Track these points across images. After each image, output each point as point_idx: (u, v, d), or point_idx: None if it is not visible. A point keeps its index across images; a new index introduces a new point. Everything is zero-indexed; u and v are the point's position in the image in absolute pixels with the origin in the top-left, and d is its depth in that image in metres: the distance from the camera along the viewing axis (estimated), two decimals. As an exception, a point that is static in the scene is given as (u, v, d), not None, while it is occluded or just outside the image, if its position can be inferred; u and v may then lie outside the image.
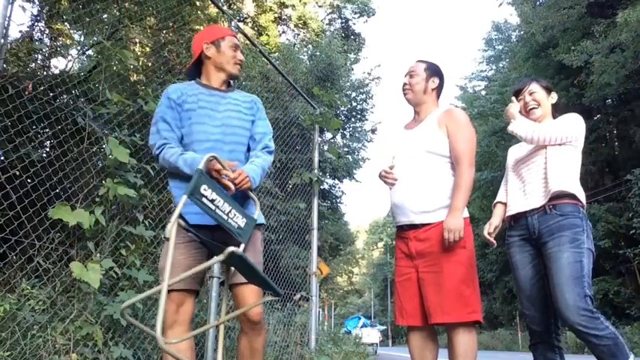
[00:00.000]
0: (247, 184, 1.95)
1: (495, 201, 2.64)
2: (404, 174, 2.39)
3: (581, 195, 2.27)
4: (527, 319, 2.32)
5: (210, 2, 4.78)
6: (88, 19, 4.28)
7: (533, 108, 2.44)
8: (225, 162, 1.92)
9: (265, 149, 2.18)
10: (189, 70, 2.23)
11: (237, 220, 1.84)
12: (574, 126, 2.31)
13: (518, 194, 2.42)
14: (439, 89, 2.52)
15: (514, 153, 2.59)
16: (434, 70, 2.50)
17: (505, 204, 2.53)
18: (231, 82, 2.29)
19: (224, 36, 2.19)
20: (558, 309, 2.08)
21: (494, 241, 2.48)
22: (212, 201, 1.75)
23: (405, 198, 2.35)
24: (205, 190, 1.73)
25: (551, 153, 2.32)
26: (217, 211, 1.77)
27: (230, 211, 1.81)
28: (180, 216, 1.80)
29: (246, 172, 1.96)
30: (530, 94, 2.46)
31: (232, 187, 1.90)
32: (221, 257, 1.55)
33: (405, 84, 2.50)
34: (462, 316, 2.18)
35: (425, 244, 2.28)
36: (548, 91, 2.48)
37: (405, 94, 2.51)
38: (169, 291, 1.77)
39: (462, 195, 2.25)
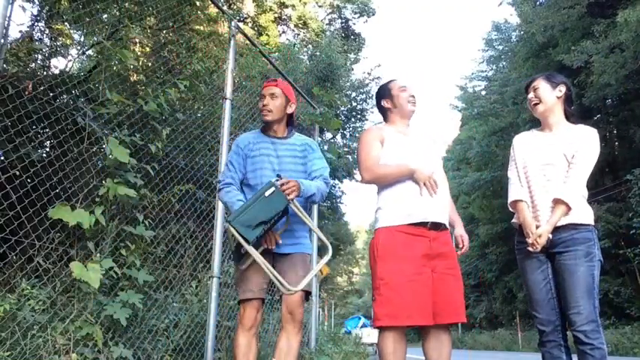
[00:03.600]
0: (295, 192, 2.29)
1: (516, 198, 2.46)
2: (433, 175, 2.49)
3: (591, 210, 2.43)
4: (536, 321, 2.40)
5: (210, 2, 4.78)
6: (88, 19, 4.28)
7: (536, 104, 2.54)
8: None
9: (321, 178, 2.55)
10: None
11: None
12: (592, 159, 2.41)
13: (545, 204, 2.37)
14: None
15: (529, 146, 2.52)
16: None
17: (525, 202, 2.44)
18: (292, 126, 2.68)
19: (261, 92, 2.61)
20: (570, 316, 2.24)
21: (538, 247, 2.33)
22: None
23: (440, 198, 2.44)
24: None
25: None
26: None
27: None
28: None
29: (298, 181, 2.32)
30: (535, 90, 2.54)
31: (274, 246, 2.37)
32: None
33: (414, 96, 2.65)
34: (464, 317, 2.40)
35: (447, 247, 2.43)
36: (555, 85, 2.51)
37: (414, 105, 2.65)
38: (252, 299, 2.34)
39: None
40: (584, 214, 2.36)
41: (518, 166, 2.52)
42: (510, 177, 2.55)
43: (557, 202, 2.32)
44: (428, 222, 2.36)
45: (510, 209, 2.53)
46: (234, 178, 2.51)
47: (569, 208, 2.31)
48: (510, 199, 2.49)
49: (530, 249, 2.34)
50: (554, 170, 2.40)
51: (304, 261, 2.53)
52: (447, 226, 2.47)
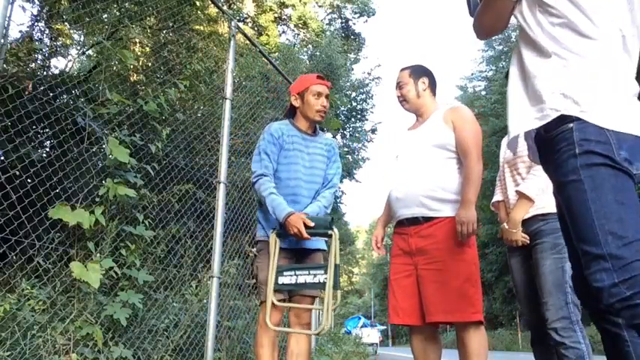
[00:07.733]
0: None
1: (493, 201, 2.55)
2: (409, 169, 2.40)
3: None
4: (523, 320, 2.37)
5: (210, 2, 4.78)
6: (88, 19, 4.28)
7: (402, 101, 2.49)
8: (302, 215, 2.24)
9: (330, 188, 2.53)
10: (286, 114, 2.59)
11: (320, 278, 2.18)
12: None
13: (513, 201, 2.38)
14: (432, 86, 2.52)
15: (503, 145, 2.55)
16: (419, 72, 2.52)
17: (502, 202, 2.50)
18: (317, 126, 2.61)
19: (308, 86, 2.47)
20: (543, 313, 2.13)
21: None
22: (293, 282, 2.21)
23: (410, 191, 2.34)
24: (283, 276, 2.20)
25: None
26: (299, 281, 2.20)
27: (309, 274, 2.21)
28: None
29: (308, 211, 2.33)
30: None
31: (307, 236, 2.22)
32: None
33: (398, 97, 2.54)
34: (465, 315, 2.17)
35: (427, 240, 2.26)
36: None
37: (402, 106, 2.55)
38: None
39: (473, 188, 2.23)
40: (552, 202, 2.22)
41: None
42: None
43: (519, 195, 2.30)
44: (403, 219, 2.37)
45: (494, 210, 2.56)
46: (269, 167, 2.40)
47: (530, 200, 2.24)
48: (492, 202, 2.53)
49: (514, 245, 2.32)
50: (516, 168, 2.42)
51: (321, 261, 2.52)
52: (435, 215, 2.29)
